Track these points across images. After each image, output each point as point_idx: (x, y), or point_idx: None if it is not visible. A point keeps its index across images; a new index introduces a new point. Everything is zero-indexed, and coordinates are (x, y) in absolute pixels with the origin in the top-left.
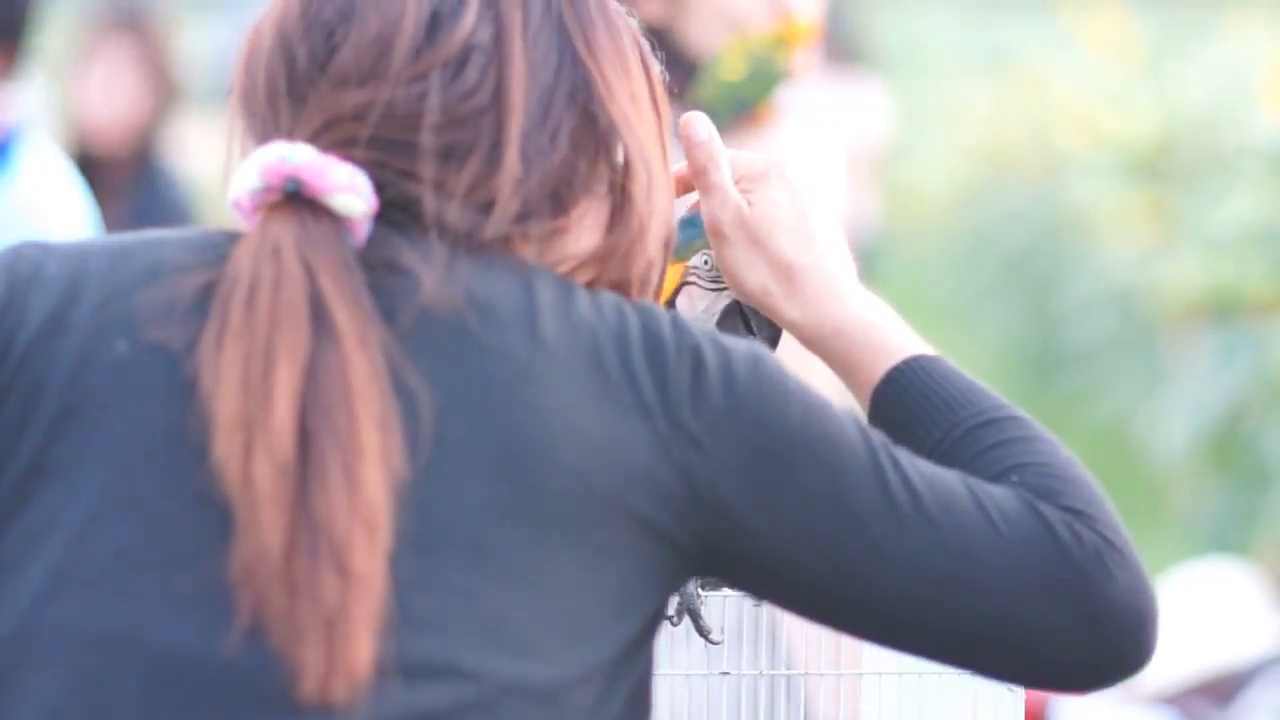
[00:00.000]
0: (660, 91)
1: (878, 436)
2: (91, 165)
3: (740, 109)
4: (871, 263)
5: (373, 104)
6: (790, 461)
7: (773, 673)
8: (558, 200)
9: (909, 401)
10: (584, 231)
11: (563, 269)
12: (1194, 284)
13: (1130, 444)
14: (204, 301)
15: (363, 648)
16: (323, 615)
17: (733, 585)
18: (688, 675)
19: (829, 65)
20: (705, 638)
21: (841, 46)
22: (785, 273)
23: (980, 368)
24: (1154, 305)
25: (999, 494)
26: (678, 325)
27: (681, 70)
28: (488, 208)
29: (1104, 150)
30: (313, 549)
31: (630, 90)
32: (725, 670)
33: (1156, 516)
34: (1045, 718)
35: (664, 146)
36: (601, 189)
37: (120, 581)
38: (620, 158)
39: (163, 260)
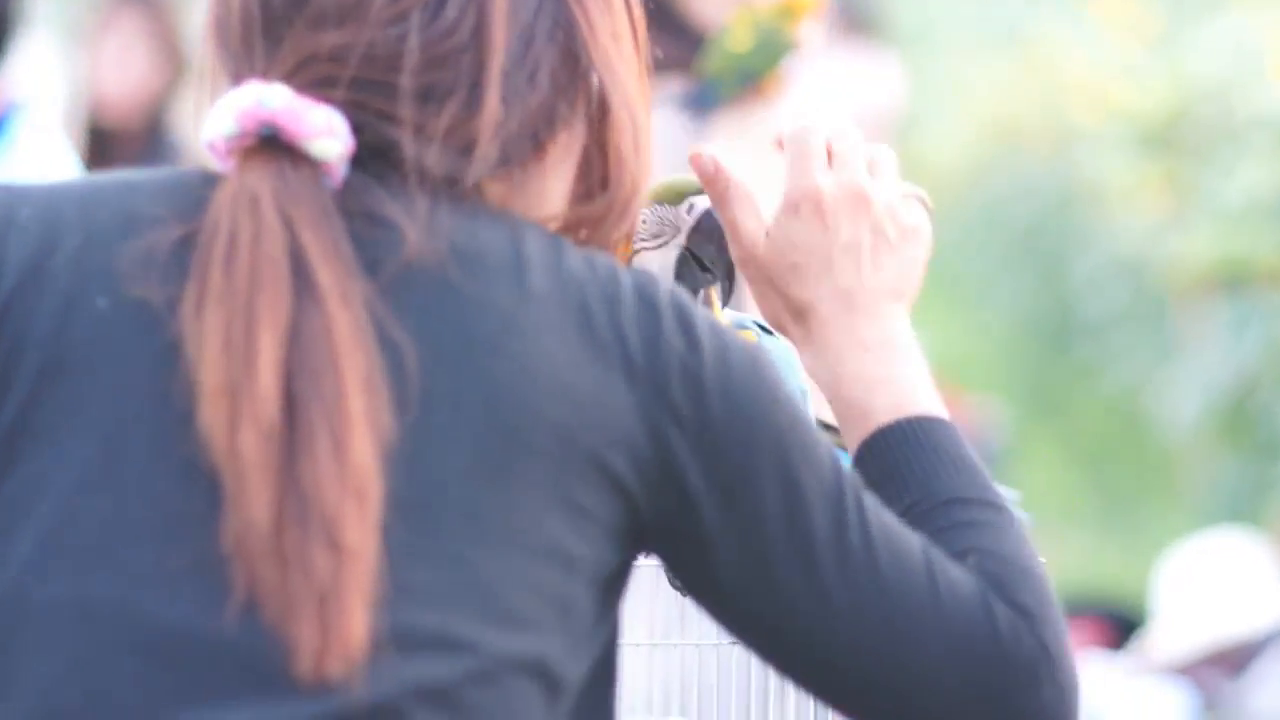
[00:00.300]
0: (641, 29)
1: (852, 476)
2: (102, 138)
3: (747, 80)
4: None
5: (351, 46)
6: (759, 464)
7: None
8: (537, 143)
9: (887, 462)
10: (559, 179)
11: (555, 225)
12: (1205, 256)
13: (1142, 415)
14: (182, 254)
15: (357, 622)
16: (315, 590)
17: (674, 574)
18: (698, 645)
19: (841, 37)
20: None
21: (853, 18)
22: (798, 314)
23: (992, 340)
24: (1165, 277)
25: (954, 571)
26: (677, 298)
27: (688, 42)
28: (467, 150)
29: (1115, 123)
30: (303, 522)
31: (612, 28)
32: (735, 640)
33: (1167, 488)
34: None
35: (646, 88)
36: (580, 131)
37: (111, 554)
38: (597, 92)
39: (138, 208)
